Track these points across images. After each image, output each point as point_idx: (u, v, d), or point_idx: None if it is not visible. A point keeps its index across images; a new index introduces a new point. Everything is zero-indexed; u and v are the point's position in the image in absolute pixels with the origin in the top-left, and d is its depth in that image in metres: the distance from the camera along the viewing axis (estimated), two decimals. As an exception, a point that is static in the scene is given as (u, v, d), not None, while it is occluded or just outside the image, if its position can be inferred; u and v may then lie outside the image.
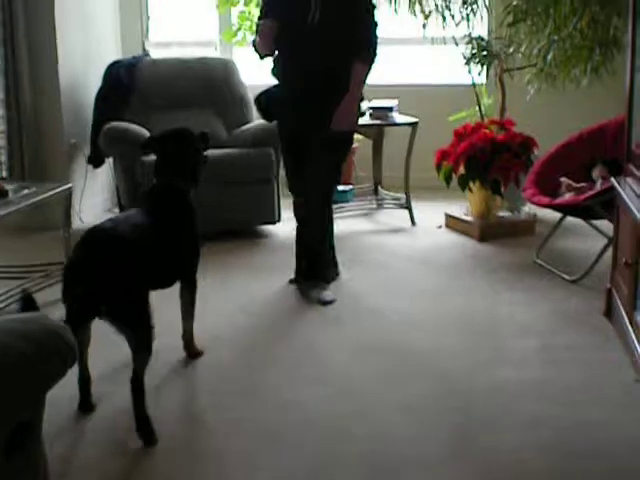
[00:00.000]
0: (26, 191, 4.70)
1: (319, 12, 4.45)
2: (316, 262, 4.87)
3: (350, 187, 6.83)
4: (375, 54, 4.56)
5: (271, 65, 4.78)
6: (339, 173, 4.86)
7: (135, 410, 3.22)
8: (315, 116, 4.59)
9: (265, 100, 4.83)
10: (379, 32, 4.58)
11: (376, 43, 4.56)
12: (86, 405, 3.46)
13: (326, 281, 4.87)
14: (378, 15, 4.62)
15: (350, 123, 4.68)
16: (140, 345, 3.28)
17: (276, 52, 4.71)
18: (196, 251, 3.89)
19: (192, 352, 3.97)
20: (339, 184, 4.88)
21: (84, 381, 3.46)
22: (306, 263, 4.90)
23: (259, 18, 4.74)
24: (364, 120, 6.26)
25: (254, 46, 4.74)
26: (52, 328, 2.11)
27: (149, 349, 3.29)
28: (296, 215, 5.02)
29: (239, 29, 7.25)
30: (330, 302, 4.68)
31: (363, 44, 4.54)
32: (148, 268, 3.38)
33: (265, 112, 4.91)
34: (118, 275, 3.21)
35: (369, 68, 4.58)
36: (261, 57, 4.80)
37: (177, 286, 3.89)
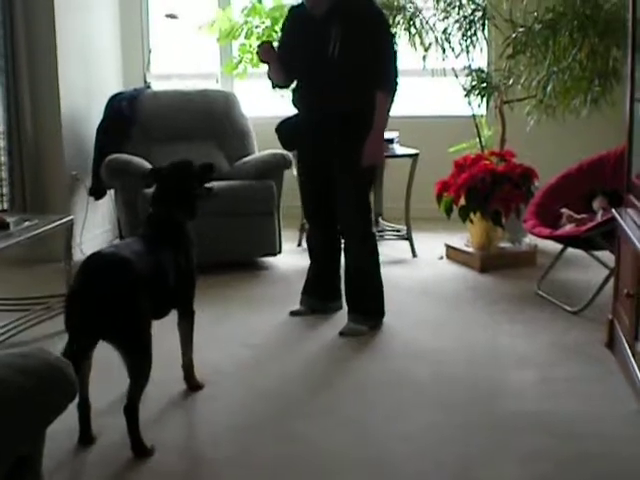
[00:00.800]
0: (27, 223, 4.71)
1: (339, 44, 4.46)
2: (365, 295, 4.83)
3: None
4: (397, 84, 4.56)
5: (291, 95, 4.84)
6: (369, 203, 4.83)
7: (131, 437, 3.26)
8: (339, 154, 4.63)
9: (285, 129, 4.82)
10: (399, 61, 4.59)
11: (397, 73, 4.56)
12: (86, 438, 3.43)
13: (373, 315, 4.82)
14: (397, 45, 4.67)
15: (380, 156, 4.75)
16: (138, 373, 3.30)
17: (294, 82, 4.79)
18: (192, 281, 3.89)
19: (192, 384, 3.95)
20: (371, 211, 4.89)
21: (84, 412, 3.43)
22: (351, 295, 4.85)
23: (278, 48, 4.77)
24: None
25: (268, 75, 4.79)
26: (52, 362, 2.11)
27: (146, 377, 3.32)
28: (309, 244, 5.10)
29: (240, 61, 7.29)
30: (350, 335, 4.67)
31: (384, 75, 4.54)
32: (148, 296, 3.37)
33: (285, 141, 4.92)
34: (118, 303, 3.22)
35: (392, 98, 4.57)
36: (274, 86, 4.88)
37: (175, 318, 3.89)
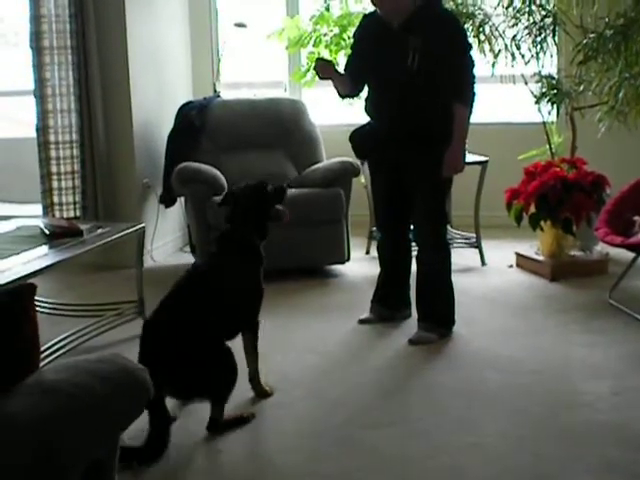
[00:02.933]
0: (100, 230, 4.77)
1: (418, 55, 4.43)
2: (436, 303, 4.82)
3: (419, 226, 6.81)
4: (475, 94, 4.55)
5: (364, 104, 4.83)
6: (445, 212, 4.87)
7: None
8: (417, 164, 4.61)
9: (359, 138, 4.82)
10: (476, 72, 4.58)
11: (474, 84, 4.54)
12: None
13: (444, 324, 4.79)
14: (473, 53, 4.64)
15: (460, 167, 4.69)
16: (218, 402, 3.59)
17: (362, 91, 4.84)
18: (260, 296, 3.94)
19: (260, 392, 3.98)
20: (446, 221, 4.94)
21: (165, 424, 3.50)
22: (422, 303, 4.83)
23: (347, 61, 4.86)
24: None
25: (334, 86, 4.80)
26: (128, 368, 2.14)
27: (225, 401, 3.60)
28: (380, 252, 5.08)
29: (308, 69, 7.30)
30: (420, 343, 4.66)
31: (463, 86, 4.52)
32: (213, 333, 3.62)
33: (359, 150, 4.93)
34: (185, 370, 3.51)
35: (470, 109, 4.56)
36: (341, 96, 4.88)
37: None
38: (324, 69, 4.68)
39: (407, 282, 4.99)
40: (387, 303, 5.03)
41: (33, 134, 6.38)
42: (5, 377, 1.92)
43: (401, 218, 4.87)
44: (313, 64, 4.83)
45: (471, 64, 4.56)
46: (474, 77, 4.55)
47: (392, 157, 4.70)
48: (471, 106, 4.56)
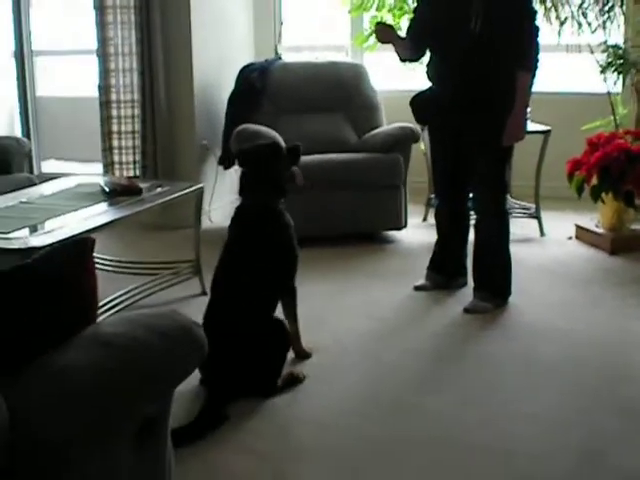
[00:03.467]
0: (159, 190, 4.79)
1: (481, 19, 4.36)
2: (493, 273, 4.77)
3: (478, 195, 6.76)
4: (538, 61, 4.47)
5: (426, 68, 4.77)
6: (505, 181, 4.81)
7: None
8: (478, 131, 4.56)
9: (419, 103, 4.78)
10: (540, 39, 4.49)
11: (538, 51, 4.46)
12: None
13: (500, 294, 4.75)
14: (538, 20, 4.55)
15: (521, 135, 4.63)
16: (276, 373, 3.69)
17: (424, 55, 4.83)
18: (293, 260, 3.88)
19: (300, 353, 4.00)
20: (506, 189, 4.91)
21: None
22: (479, 272, 4.78)
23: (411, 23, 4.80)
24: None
25: (395, 51, 4.77)
26: (183, 324, 2.14)
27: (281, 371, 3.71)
28: (437, 220, 5.05)
29: (371, 34, 7.23)
30: (475, 312, 4.63)
31: (526, 52, 4.43)
32: (260, 307, 3.69)
33: (419, 115, 4.89)
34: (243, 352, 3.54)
35: (533, 77, 4.47)
36: (402, 60, 4.86)
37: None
38: (384, 33, 4.66)
39: (464, 250, 4.95)
40: (443, 271, 5.00)
41: (95, 94, 6.43)
42: (63, 328, 1.94)
43: (460, 185, 4.82)
44: (374, 28, 4.79)
45: (535, 30, 4.47)
46: (538, 44, 4.46)
47: (453, 123, 4.64)
48: (534, 73, 4.47)
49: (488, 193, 4.67)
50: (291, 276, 3.89)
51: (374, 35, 4.86)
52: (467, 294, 4.80)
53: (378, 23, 4.82)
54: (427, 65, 4.76)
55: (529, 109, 6.05)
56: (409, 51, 4.76)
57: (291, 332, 3.92)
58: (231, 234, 3.83)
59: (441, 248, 5.01)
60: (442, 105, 4.63)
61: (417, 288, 4.99)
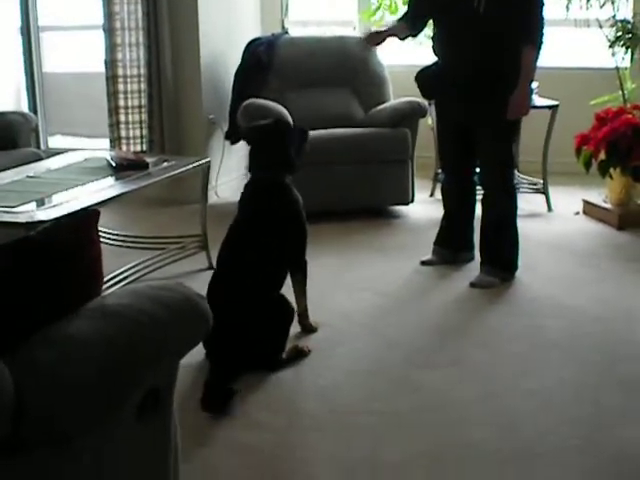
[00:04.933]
0: (166, 164, 4.79)
1: (484, 1, 4.33)
2: (500, 247, 4.76)
3: (485, 170, 6.74)
4: (543, 36, 4.42)
5: (431, 43, 4.75)
6: (512, 156, 4.78)
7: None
8: (483, 107, 4.53)
9: (425, 78, 4.76)
10: (545, 13, 4.45)
11: (543, 25, 4.42)
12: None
13: (507, 268, 4.75)
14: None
15: (526, 110, 4.60)
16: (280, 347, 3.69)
17: (422, 30, 4.87)
18: (302, 235, 3.90)
19: (307, 327, 4.02)
20: (513, 164, 4.88)
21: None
22: (485, 247, 4.78)
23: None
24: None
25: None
26: (189, 296, 2.14)
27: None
28: (444, 194, 5.07)
29: (378, 8, 7.22)
30: (482, 287, 4.63)
31: (531, 27, 4.40)
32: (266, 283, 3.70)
33: (425, 90, 4.88)
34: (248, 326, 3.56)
35: (538, 51, 4.44)
36: (401, 39, 4.89)
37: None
38: (372, 39, 4.89)
39: (471, 225, 4.95)
40: (450, 245, 5.00)
41: (102, 68, 6.42)
42: (68, 300, 1.94)
43: (466, 160, 4.81)
44: (363, 37, 4.93)
45: (541, 4, 4.43)
46: (543, 18, 4.43)
47: (458, 99, 4.63)
48: (539, 48, 4.44)
49: (495, 168, 4.66)
50: (301, 251, 3.90)
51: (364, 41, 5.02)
52: (474, 269, 4.80)
53: (365, 37, 5.05)
54: (432, 39, 4.75)
55: (535, 84, 6.05)
56: (407, 31, 4.82)
57: (300, 307, 3.94)
58: (240, 209, 3.84)
59: (448, 223, 5.01)
60: (446, 81, 4.62)
61: (424, 263, 4.99)
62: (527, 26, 4.40)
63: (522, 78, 4.45)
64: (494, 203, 4.71)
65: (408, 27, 4.81)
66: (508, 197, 4.71)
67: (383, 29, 5.05)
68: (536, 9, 4.41)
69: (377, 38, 4.91)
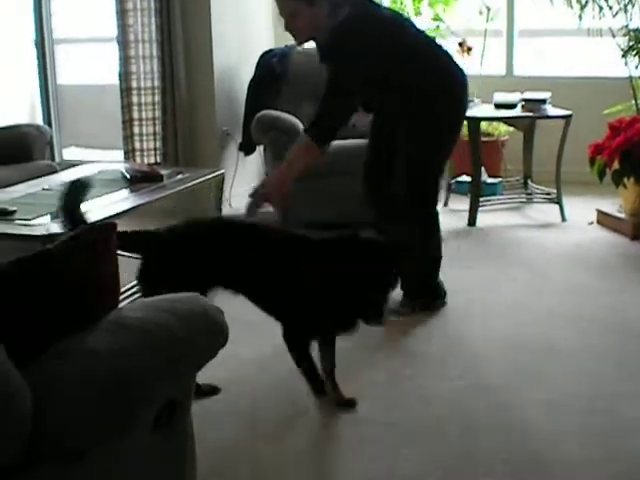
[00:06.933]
0: (180, 176, 4.82)
1: None
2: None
3: (499, 180, 6.75)
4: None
5: None
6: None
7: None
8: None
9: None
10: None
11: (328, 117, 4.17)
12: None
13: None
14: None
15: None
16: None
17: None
18: None
19: None
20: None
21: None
22: None
23: None
24: (515, 112, 6.18)
25: None
26: (205, 308, 2.15)
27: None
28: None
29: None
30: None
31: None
32: None
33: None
34: None
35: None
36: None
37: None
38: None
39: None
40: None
41: (116, 81, 6.45)
42: (85, 314, 1.95)
43: None
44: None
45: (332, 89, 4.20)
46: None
47: None
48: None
49: None
50: None
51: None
52: (486, 280, 4.78)
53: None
54: None
55: (548, 94, 6.05)
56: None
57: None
58: None
59: None
60: None
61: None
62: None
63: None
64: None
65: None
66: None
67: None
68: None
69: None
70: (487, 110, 6.31)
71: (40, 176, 4.97)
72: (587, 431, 3.20)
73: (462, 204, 6.25)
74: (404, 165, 4.24)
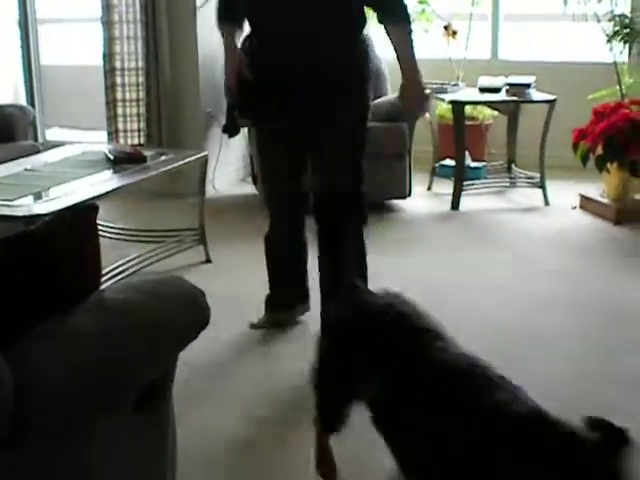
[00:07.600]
0: (163, 158, 4.80)
1: None
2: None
3: (483, 164, 6.75)
4: (408, 15, 3.65)
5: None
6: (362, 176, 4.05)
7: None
8: (324, 111, 3.75)
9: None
10: None
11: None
12: None
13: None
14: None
15: (426, 106, 4.12)
16: None
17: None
18: None
19: None
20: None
21: None
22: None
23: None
24: (500, 96, 6.18)
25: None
26: (187, 290, 2.15)
27: None
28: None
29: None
30: None
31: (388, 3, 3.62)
32: None
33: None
34: None
35: (410, 34, 3.63)
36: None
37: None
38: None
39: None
40: None
41: (100, 61, 6.42)
42: (66, 295, 1.95)
43: None
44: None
45: None
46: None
47: (293, 113, 3.78)
48: (410, 29, 3.65)
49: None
50: None
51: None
52: (469, 263, 4.79)
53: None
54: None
55: (533, 78, 6.04)
56: (239, 33, 4.01)
57: None
58: None
59: None
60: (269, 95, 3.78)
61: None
62: (389, 5, 3.66)
63: (407, 70, 3.68)
64: None
65: (237, 27, 3.93)
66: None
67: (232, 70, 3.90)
68: None
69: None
70: (472, 94, 6.31)
71: (23, 156, 4.94)
72: (570, 414, 3.20)
73: (446, 188, 6.26)
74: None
